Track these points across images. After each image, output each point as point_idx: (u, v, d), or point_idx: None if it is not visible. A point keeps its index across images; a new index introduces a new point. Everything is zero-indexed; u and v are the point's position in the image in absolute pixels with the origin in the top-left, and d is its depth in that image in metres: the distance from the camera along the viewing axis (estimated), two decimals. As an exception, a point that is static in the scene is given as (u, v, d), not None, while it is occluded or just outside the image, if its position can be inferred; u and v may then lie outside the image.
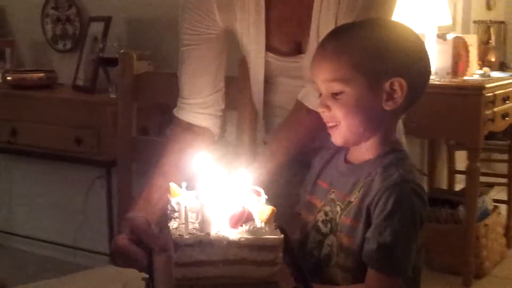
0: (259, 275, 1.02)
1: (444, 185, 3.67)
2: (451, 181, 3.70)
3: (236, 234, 1.01)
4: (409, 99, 1.17)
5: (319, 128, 1.26)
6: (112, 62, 2.93)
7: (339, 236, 1.18)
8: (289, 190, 1.36)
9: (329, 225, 1.21)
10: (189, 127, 1.48)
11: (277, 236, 1.01)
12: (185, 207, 1.04)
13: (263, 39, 1.41)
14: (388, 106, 1.16)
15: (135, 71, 1.91)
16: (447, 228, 3.08)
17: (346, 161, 1.23)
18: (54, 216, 3.32)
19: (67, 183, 3.26)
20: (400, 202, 1.11)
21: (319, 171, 1.29)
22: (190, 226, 1.04)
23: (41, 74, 2.90)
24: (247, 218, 1.03)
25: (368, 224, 1.14)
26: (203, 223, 1.04)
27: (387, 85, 1.15)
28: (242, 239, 1.00)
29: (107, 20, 3.05)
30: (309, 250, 1.24)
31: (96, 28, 3.08)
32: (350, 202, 1.17)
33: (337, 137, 1.20)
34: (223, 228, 1.03)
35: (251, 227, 1.01)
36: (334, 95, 1.16)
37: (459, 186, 3.63)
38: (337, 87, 1.15)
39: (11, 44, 3.39)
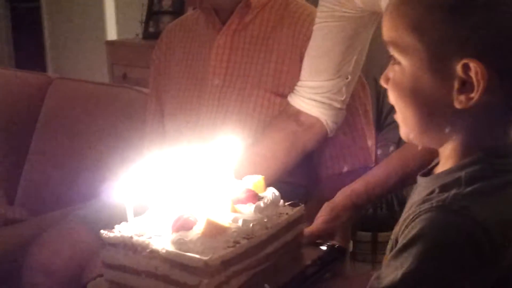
0: (184, 300, 0.80)
1: None
2: None
3: (163, 243, 0.81)
4: (501, 96, 0.75)
5: None
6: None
7: None
8: None
9: None
10: (296, 115, 1.27)
11: (204, 257, 0.78)
12: (129, 204, 0.87)
13: None
14: (459, 102, 0.75)
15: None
16: None
17: (425, 172, 0.87)
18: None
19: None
20: (422, 235, 0.73)
21: None
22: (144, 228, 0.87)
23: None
24: (182, 226, 0.82)
25: None
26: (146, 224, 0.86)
27: (458, 68, 0.74)
28: (163, 251, 0.80)
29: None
30: None
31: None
32: None
33: (400, 129, 0.84)
34: (164, 234, 0.84)
35: (178, 238, 0.80)
36: (394, 66, 0.80)
37: None
38: (392, 52, 0.80)
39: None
